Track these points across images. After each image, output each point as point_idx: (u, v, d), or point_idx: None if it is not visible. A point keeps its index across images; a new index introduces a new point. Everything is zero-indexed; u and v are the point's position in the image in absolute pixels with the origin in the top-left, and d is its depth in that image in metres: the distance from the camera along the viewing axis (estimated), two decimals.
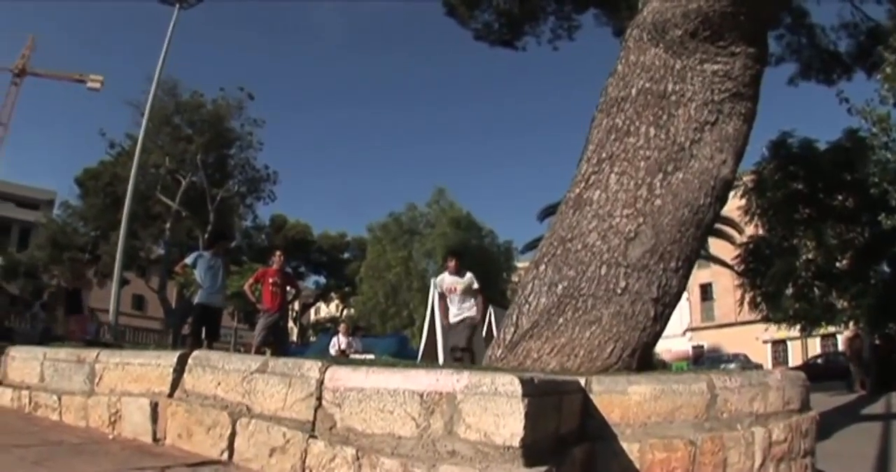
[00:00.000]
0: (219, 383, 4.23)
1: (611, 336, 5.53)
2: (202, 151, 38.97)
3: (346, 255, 62.49)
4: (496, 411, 3.09)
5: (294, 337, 53.99)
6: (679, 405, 4.25)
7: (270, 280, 11.97)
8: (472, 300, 10.73)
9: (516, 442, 3.02)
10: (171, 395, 4.52)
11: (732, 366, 33.34)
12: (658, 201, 5.86)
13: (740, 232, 27.99)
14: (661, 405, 4.21)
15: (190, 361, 4.53)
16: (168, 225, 39.60)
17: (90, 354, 5.39)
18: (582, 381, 4.27)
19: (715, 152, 6.08)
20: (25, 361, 6.06)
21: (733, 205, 22.67)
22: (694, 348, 52.73)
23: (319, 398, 3.66)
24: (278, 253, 12.95)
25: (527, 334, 5.78)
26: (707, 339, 52.96)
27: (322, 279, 63.86)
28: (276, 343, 12.22)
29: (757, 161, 22.61)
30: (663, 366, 31.90)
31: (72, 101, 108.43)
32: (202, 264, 11.41)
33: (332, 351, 15.88)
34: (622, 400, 4.18)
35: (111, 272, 32.01)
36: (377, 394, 3.42)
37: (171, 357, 4.65)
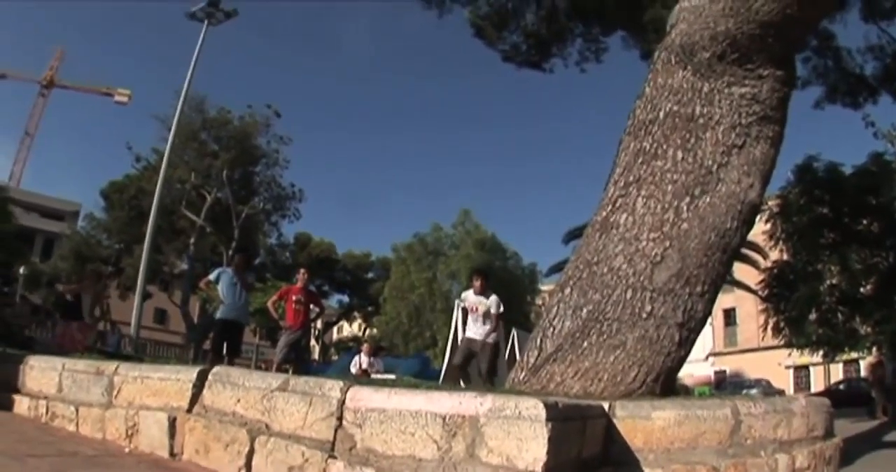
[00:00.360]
0: (238, 400, 4.19)
1: (635, 361, 5.45)
2: (228, 167, 39.02)
3: (370, 274, 62.22)
4: (519, 435, 3.03)
5: (315, 355, 53.86)
6: (703, 431, 4.17)
7: (294, 298, 11.85)
8: (492, 325, 10.58)
9: (539, 467, 2.96)
10: (189, 410, 4.49)
11: (754, 391, 33.02)
12: (685, 225, 5.79)
13: (765, 257, 27.55)
14: (685, 430, 4.13)
15: (210, 377, 4.50)
16: (192, 240, 39.66)
17: (109, 366, 5.37)
18: (605, 406, 4.20)
19: (742, 176, 5.99)
20: (44, 371, 6.04)
21: (758, 229, 22.24)
22: (716, 373, 51.83)
23: (340, 418, 3.61)
24: (303, 271, 12.81)
25: (550, 358, 5.71)
26: (729, 364, 52.17)
27: (345, 298, 63.65)
28: (297, 361, 12.14)
29: (782, 186, 22.28)
30: (686, 391, 31.50)
31: (99, 114, 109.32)
32: (225, 280, 11.31)
33: (354, 370, 15.75)
34: (646, 425, 4.11)
35: (134, 285, 32.11)
36: (399, 415, 3.37)
37: (191, 372, 4.62)
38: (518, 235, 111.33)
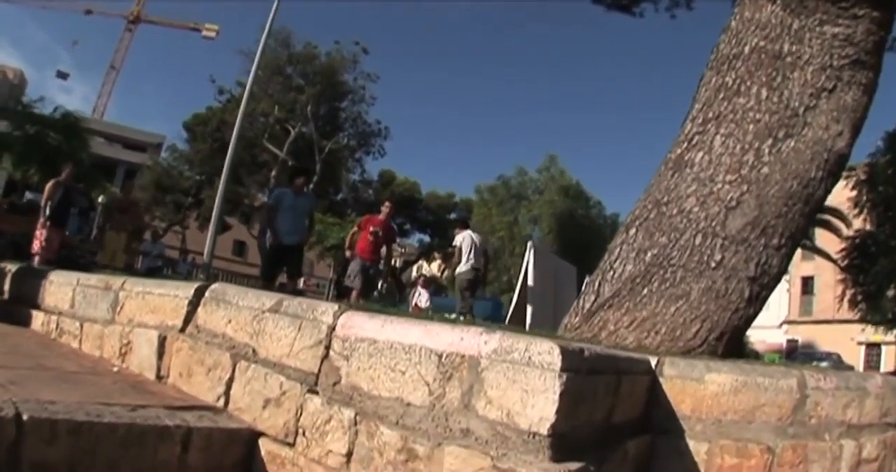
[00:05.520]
0: (229, 321, 3.70)
1: (698, 314, 4.90)
2: (313, 102, 38.60)
3: (452, 215, 61.34)
4: (526, 385, 2.41)
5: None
6: (761, 403, 3.45)
7: (371, 228, 11.29)
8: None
9: (544, 429, 2.31)
10: (182, 330, 4.04)
11: (824, 365, 32.02)
12: (765, 169, 5.20)
13: (848, 225, 26.49)
14: (741, 400, 3.42)
15: (207, 294, 4.01)
16: (274, 173, 39.46)
17: (117, 281, 5.02)
18: (653, 361, 3.54)
19: (831, 122, 5.36)
20: (61, 286, 5.81)
21: (843, 196, 21.59)
22: (788, 341, 49.38)
23: (328, 347, 3.05)
24: (388, 203, 12.21)
25: (606, 304, 5.23)
26: (802, 334, 49.94)
27: (426, 238, 63.10)
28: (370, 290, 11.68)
29: (871, 152, 21.31)
30: (756, 357, 30.67)
31: (186, 49, 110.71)
32: (285, 202, 10.48)
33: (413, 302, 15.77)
34: (696, 389, 3.42)
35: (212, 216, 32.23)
36: (390, 349, 2.80)
37: (189, 289, 4.14)
38: (604, 184, 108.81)
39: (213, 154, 41.77)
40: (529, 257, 13.92)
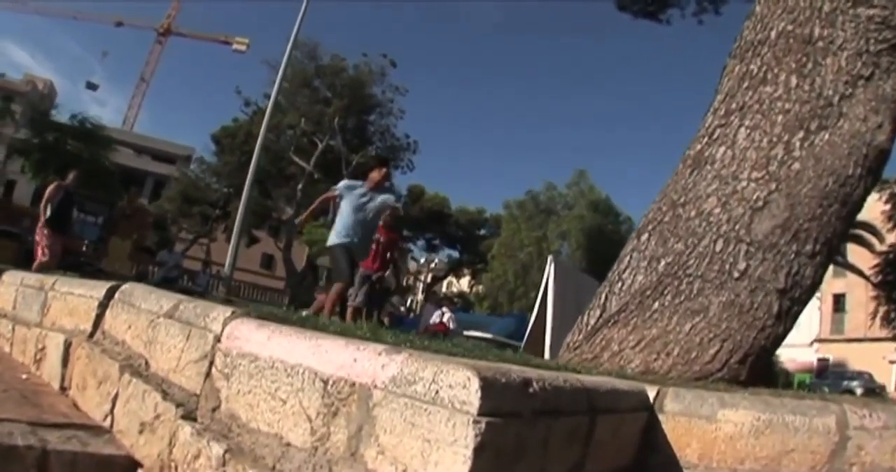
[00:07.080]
0: (129, 326, 3.10)
1: (718, 333, 4.25)
2: (341, 115, 38.22)
3: (482, 231, 60.44)
4: (428, 432, 1.66)
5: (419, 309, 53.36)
6: (790, 448, 2.66)
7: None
8: None
9: None
10: (91, 335, 3.44)
11: (855, 384, 31.77)
12: (796, 165, 4.58)
13: (881, 240, 25.90)
14: (765, 444, 2.65)
15: (116, 295, 3.37)
16: (300, 186, 39.16)
17: (49, 281, 4.48)
18: (651, 393, 2.80)
19: (869, 113, 4.73)
20: (7, 287, 5.34)
21: (876, 210, 20.86)
22: (819, 360, 48.69)
23: (212, 363, 2.37)
24: (388, 211, 10.44)
25: (611, 320, 4.62)
26: (834, 352, 48.68)
27: (456, 254, 62.43)
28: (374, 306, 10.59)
29: None
30: (785, 376, 29.74)
31: (216, 60, 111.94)
32: (351, 198, 8.10)
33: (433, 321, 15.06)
34: (706, 430, 2.66)
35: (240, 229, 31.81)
36: (271, 369, 2.10)
37: (102, 289, 3.53)
38: (634, 199, 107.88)
39: (240, 166, 41.36)
40: (550, 272, 13.13)
